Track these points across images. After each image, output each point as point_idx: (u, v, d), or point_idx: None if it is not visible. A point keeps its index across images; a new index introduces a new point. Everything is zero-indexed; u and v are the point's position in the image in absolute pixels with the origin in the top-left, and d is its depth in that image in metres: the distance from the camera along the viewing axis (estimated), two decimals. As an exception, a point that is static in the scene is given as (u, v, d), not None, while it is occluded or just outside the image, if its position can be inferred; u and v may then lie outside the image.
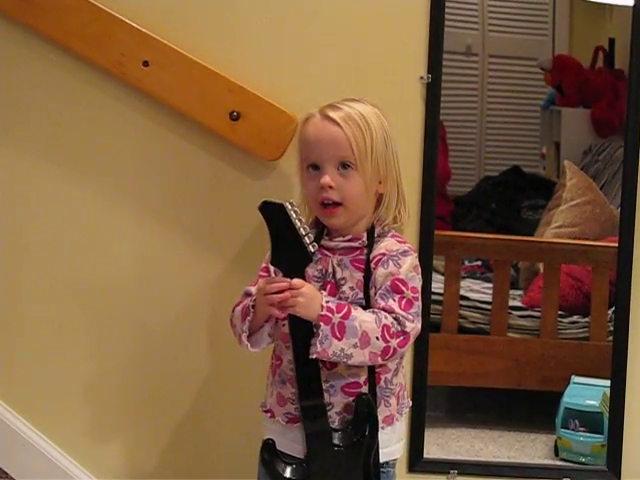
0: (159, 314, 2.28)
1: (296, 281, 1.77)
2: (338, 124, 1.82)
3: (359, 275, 1.84)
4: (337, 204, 1.83)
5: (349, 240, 1.86)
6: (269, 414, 1.90)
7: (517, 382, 2.59)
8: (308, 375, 1.80)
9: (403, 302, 1.80)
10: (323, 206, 1.84)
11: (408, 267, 1.83)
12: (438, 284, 2.47)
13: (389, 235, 1.88)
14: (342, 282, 1.84)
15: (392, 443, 1.90)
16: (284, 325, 1.83)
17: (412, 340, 1.82)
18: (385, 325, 1.77)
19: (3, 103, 2.24)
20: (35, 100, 2.23)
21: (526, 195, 2.98)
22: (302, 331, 1.78)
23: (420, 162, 2.22)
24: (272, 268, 1.86)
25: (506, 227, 2.92)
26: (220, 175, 2.22)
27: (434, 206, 2.24)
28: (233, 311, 1.90)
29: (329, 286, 1.85)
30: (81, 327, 2.29)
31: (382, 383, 1.86)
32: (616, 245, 2.30)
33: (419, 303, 1.83)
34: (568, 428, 2.44)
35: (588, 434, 2.41)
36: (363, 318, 1.77)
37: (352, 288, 1.84)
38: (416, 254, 1.88)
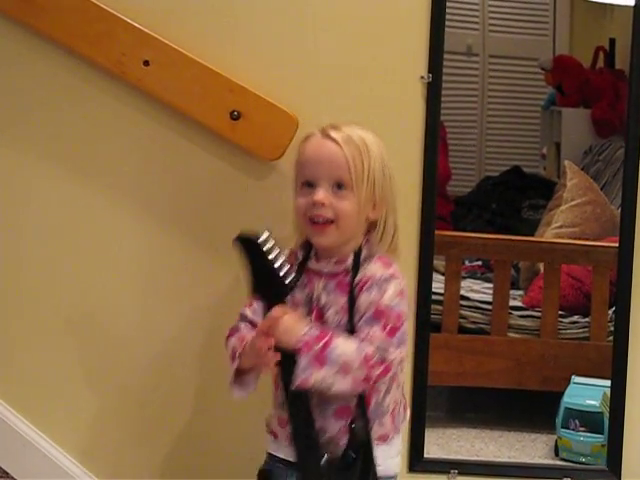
0: (159, 313, 2.27)
1: (275, 311, 1.77)
2: (338, 143, 1.81)
3: (343, 300, 1.82)
4: (328, 222, 1.81)
5: (335, 263, 1.85)
6: (272, 435, 1.91)
7: (517, 382, 2.59)
8: (297, 404, 1.81)
9: (386, 330, 1.77)
10: (313, 223, 1.82)
11: (392, 293, 1.80)
12: (438, 284, 2.46)
13: (375, 258, 1.84)
14: (327, 307, 1.83)
15: (389, 458, 1.88)
16: None
17: (395, 368, 1.79)
18: (366, 354, 1.75)
19: (3, 102, 2.24)
20: (35, 99, 2.23)
21: (526, 195, 2.98)
22: (287, 360, 1.77)
23: (420, 162, 2.21)
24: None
25: (506, 227, 2.92)
26: (220, 175, 2.22)
27: (434, 206, 2.24)
28: (227, 341, 1.90)
29: (315, 311, 1.84)
30: (82, 326, 2.29)
31: (373, 405, 1.84)
32: (616, 245, 2.30)
33: (404, 329, 1.80)
34: (568, 428, 2.45)
35: (588, 434, 2.42)
36: (344, 347, 1.75)
37: (336, 312, 1.82)
38: (401, 278, 1.84)
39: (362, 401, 1.82)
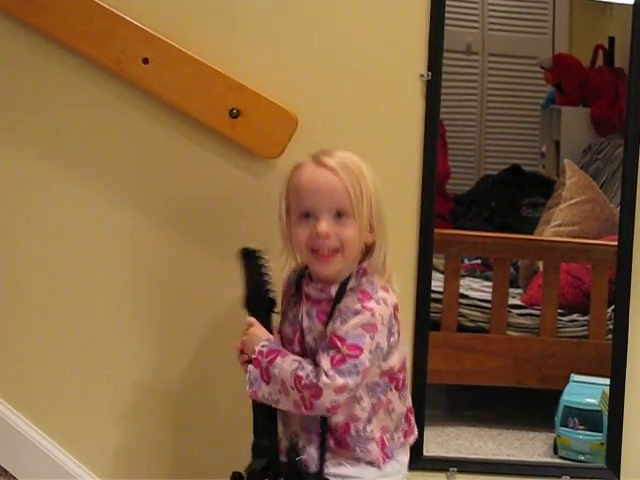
0: (159, 313, 2.28)
1: (249, 319, 1.85)
2: (334, 171, 1.80)
3: (321, 327, 1.83)
4: (334, 252, 1.81)
5: (320, 290, 1.85)
6: None
7: (516, 380, 2.59)
8: (256, 413, 1.89)
9: (336, 358, 1.77)
10: (316, 254, 1.82)
11: (353, 325, 1.78)
12: (438, 282, 2.46)
13: (357, 290, 1.83)
14: (307, 332, 1.85)
15: (385, 477, 1.89)
16: None
17: (331, 394, 1.76)
18: (297, 375, 1.77)
19: (2, 100, 2.24)
20: (34, 97, 2.23)
21: (526, 193, 2.98)
22: None
23: (420, 160, 2.22)
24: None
25: (506, 225, 2.92)
26: (219, 172, 2.22)
27: (434, 204, 2.24)
28: None
29: (297, 333, 1.86)
30: (82, 326, 2.29)
31: (353, 432, 1.85)
32: (616, 244, 2.30)
33: (356, 362, 1.76)
34: (567, 426, 2.45)
35: (587, 432, 2.42)
36: (283, 366, 1.79)
37: (315, 339, 1.84)
38: (376, 311, 1.79)
39: (324, 426, 1.84)
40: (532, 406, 2.64)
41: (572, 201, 2.80)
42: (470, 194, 2.95)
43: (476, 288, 2.71)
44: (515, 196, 2.97)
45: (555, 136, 3.01)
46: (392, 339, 1.83)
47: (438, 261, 2.46)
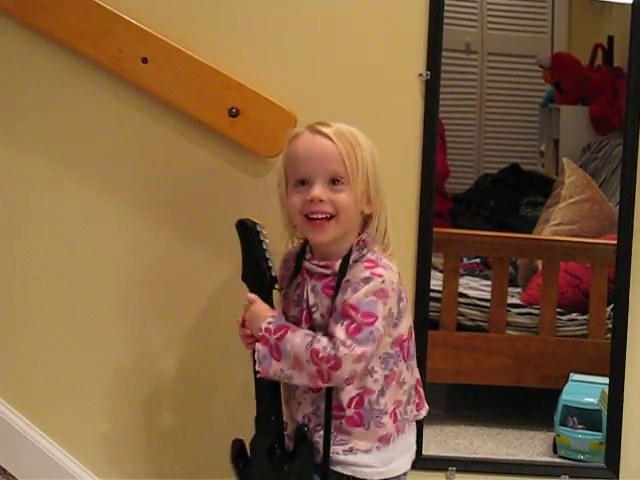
0: (158, 311, 2.28)
1: (249, 296, 1.84)
2: (330, 138, 1.80)
3: (328, 302, 1.83)
4: (328, 218, 1.80)
5: (323, 267, 1.85)
6: None
7: (516, 380, 2.59)
8: (261, 392, 1.88)
9: (351, 327, 1.77)
10: (311, 220, 1.82)
11: (364, 293, 1.78)
12: (437, 281, 2.47)
13: (363, 261, 1.83)
14: (314, 309, 1.84)
15: (394, 459, 1.89)
16: None
17: (350, 364, 1.77)
18: (313, 349, 1.77)
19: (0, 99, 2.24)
20: (33, 96, 2.23)
21: (525, 193, 2.98)
22: (254, 349, 1.83)
23: (419, 159, 2.22)
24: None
25: (505, 224, 2.92)
26: (219, 172, 2.22)
27: (433, 203, 2.24)
28: None
29: (304, 312, 1.85)
30: (82, 325, 2.29)
31: (366, 405, 1.85)
32: (615, 243, 2.30)
33: (372, 329, 1.77)
34: (567, 425, 2.45)
35: (586, 431, 2.42)
36: (295, 341, 1.79)
37: (322, 315, 1.83)
38: (385, 277, 1.80)
39: (329, 400, 1.84)
40: (531, 405, 2.64)
41: (571, 200, 2.80)
42: (469, 193, 2.95)
43: (475, 287, 2.71)
44: (514, 195, 2.97)
45: (554, 135, 3.01)
46: (402, 304, 1.85)
47: (437, 260, 2.46)
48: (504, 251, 2.65)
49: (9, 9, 2.18)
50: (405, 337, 1.87)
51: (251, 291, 1.86)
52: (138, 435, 2.31)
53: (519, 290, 2.73)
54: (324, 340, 1.77)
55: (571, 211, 2.79)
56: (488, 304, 2.61)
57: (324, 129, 1.82)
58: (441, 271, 2.54)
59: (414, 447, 1.96)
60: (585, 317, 2.60)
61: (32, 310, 2.29)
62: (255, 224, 1.87)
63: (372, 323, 1.78)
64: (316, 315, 1.84)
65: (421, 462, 2.28)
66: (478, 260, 2.84)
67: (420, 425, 2.27)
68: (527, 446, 2.51)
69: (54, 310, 2.29)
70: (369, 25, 2.19)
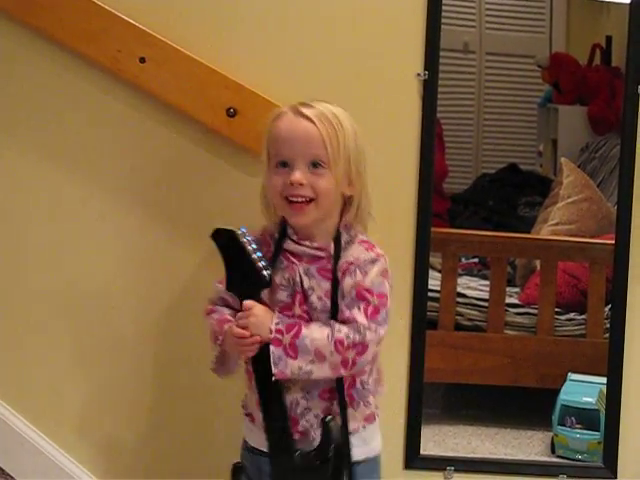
0: (157, 311, 2.27)
1: (246, 302, 1.80)
2: (312, 121, 1.79)
3: (327, 284, 1.82)
4: (308, 201, 1.80)
5: (316, 249, 1.84)
6: (249, 417, 1.92)
7: (514, 379, 2.59)
8: (269, 396, 1.82)
9: (369, 310, 1.78)
10: (290, 203, 1.81)
11: (375, 274, 1.81)
12: (435, 281, 2.47)
13: (357, 242, 1.85)
14: (310, 292, 1.83)
15: (374, 438, 1.90)
16: None
17: (374, 347, 1.79)
18: (338, 339, 1.76)
19: (-2, 99, 2.25)
20: (30, 96, 2.23)
21: (523, 192, 2.98)
22: (259, 354, 1.80)
23: (417, 159, 2.21)
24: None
25: (503, 224, 2.92)
26: (216, 171, 2.22)
27: (431, 203, 2.24)
28: (207, 315, 1.92)
29: (299, 296, 1.83)
30: (81, 326, 2.29)
31: (359, 386, 1.86)
32: (613, 242, 2.30)
33: (386, 309, 1.81)
34: (565, 425, 2.45)
35: (584, 431, 2.42)
36: (314, 336, 1.77)
37: (320, 298, 1.82)
38: (385, 259, 1.84)
39: (341, 384, 1.83)
40: (529, 405, 2.65)
41: (569, 200, 2.80)
42: (467, 193, 2.96)
43: (473, 287, 2.71)
44: (512, 195, 2.98)
45: (552, 135, 3.01)
46: (391, 281, 1.85)
47: (435, 260, 2.46)
48: (502, 251, 2.66)
49: (7, 9, 2.17)
50: None
51: (243, 297, 1.82)
52: (139, 437, 2.31)
53: (517, 290, 2.74)
54: (344, 328, 1.77)
55: (569, 211, 2.80)
56: (486, 304, 2.61)
57: (307, 111, 1.81)
58: (439, 271, 2.54)
59: None
60: (583, 317, 2.60)
61: (30, 311, 2.29)
62: (230, 230, 1.81)
63: (386, 304, 1.81)
64: (313, 298, 1.82)
65: (419, 462, 2.29)
66: (476, 260, 2.85)
67: (418, 424, 2.28)
68: (525, 446, 2.51)
69: (52, 310, 2.28)
70: (367, 25, 2.18)
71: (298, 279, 1.83)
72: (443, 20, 2.20)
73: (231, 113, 2.15)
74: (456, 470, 2.31)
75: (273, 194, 1.84)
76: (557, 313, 2.60)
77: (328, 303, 1.82)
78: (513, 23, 3.00)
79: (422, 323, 2.27)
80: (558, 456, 2.45)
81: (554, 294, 2.59)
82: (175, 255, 2.26)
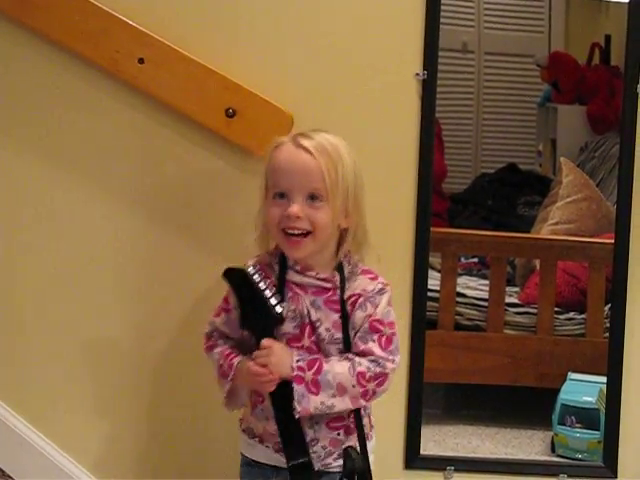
0: (156, 312, 2.27)
1: (265, 342, 1.80)
2: (311, 154, 1.79)
3: (335, 316, 1.83)
4: (304, 234, 1.80)
5: (321, 280, 1.84)
6: (248, 433, 1.93)
7: (513, 379, 2.59)
8: (291, 433, 1.82)
9: (383, 341, 1.82)
10: (287, 235, 1.81)
11: (384, 305, 1.84)
12: (434, 281, 2.47)
13: (359, 272, 1.86)
14: (318, 324, 1.84)
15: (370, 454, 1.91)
16: None
17: (392, 376, 1.84)
18: (359, 372, 1.79)
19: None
20: (29, 97, 2.23)
21: (522, 192, 2.98)
22: (279, 390, 1.80)
23: (416, 159, 2.21)
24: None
25: (502, 224, 2.92)
26: (215, 172, 2.22)
27: (430, 203, 2.24)
28: (209, 350, 1.93)
29: (307, 327, 1.84)
30: (81, 325, 2.29)
31: (362, 411, 1.87)
32: (612, 242, 2.30)
33: (397, 337, 1.85)
34: (565, 424, 2.45)
35: (584, 430, 2.42)
36: (336, 370, 1.79)
37: (328, 329, 1.84)
38: (390, 287, 1.87)
39: (358, 418, 1.85)
40: (529, 405, 2.64)
41: (569, 199, 2.80)
42: (466, 193, 2.96)
43: (473, 287, 2.71)
44: (512, 194, 2.97)
45: (551, 134, 3.01)
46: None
47: (435, 260, 2.46)
48: (502, 250, 2.65)
49: (5, 9, 2.17)
50: None
51: (259, 335, 1.81)
52: (139, 436, 2.31)
53: (517, 289, 2.73)
54: (364, 361, 1.80)
55: (569, 210, 2.79)
56: (486, 303, 2.61)
57: (306, 143, 1.81)
58: (439, 271, 2.54)
59: None
60: (583, 316, 2.60)
61: (29, 311, 2.29)
62: (241, 270, 1.80)
63: (395, 331, 1.85)
64: (321, 330, 1.84)
65: (419, 462, 2.29)
66: (476, 259, 2.84)
67: (418, 424, 2.28)
68: (525, 445, 2.51)
69: (51, 310, 2.28)
70: (365, 25, 2.18)
71: (305, 311, 1.84)
72: (442, 20, 2.20)
73: (230, 113, 2.15)
74: (456, 470, 2.31)
75: (271, 225, 1.84)
76: (557, 312, 2.60)
77: (336, 334, 1.83)
78: (512, 23, 3.00)
79: (422, 323, 2.27)
80: (558, 455, 2.45)
81: (554, 294, 2.58)
82: (171, 253, 2.25)
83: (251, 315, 1.81)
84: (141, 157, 2.24)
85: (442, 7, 2.20)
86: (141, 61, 2.15)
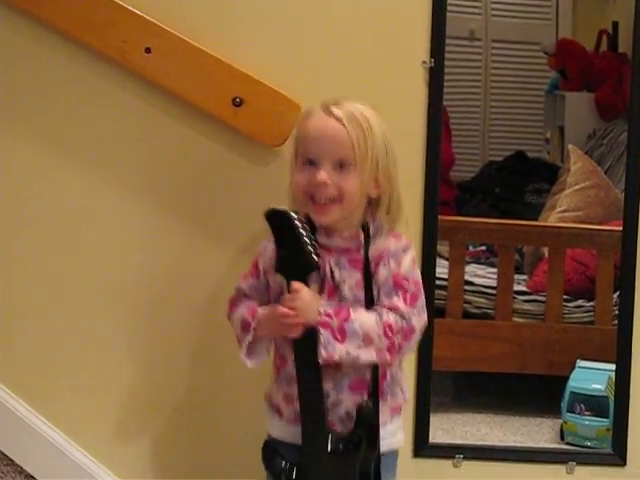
0: (163, 302, 2.27)
1: (295, 284, 1.78)
2: (342, 121, 1.79)
3: (358, 275, 1.83)
4: (332, 201, 1.80)
5: (347, 239, 1.85)
6: (276, 411, 1.91)
7: (522, 367, 2.59)
8: (311, 380, 1.81)
9: (408, 297, 1.81)
10: (314, 202, 1.81)
11: (409, 263, 1.84)
12: (443, 269, 2.47)
13: (384, 232, 1.86)
14: (341, 283, 1.83)
15: (399, 430, 1.91)
16: None
17: (419, 334, 1.83)
18: (386, 323, 1.78)
19: (2, 91, 2.24)
20: (36, 87, 2.23)
21: (530, 180, 2.98)
22: (304, 340, 1.79)
23: (423, 148, 2.21)
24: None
25: (510, 212, 2.92)
26: (223, 161, 2.21)
27: (438, 191, 2.23)
28: (231, 312, 1.92)
29: (328, 287, 1.84)
30: (87, 314, 2.29)
31: (389, 379, 1.86)
32: (620, 229, 2.29)
33: (423, 297, 1.85)
34: (574, 412, 2.45)
35: (594, 418, 2.42)
36: (363, 319, 1.78)
37: (351, 288, 1.83)
38: (414, 248, 1.89)
39: (375, 376, 1.83)
40: (538, 392, 2.65)
41: (577, 187, 2.80)
42: (474, 181, 2.96)
43: (481, 275, 2.71)
44: (519, 182, 2.98)
45: (559, 122, 3.01)
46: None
47: (443, 248, 2.46)
48: (510, 238, 2.65)
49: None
50: None
51: (291, 279, 1.80)
52: (143, 425, 2.31)
53: (525, 277, 2.74)
54: (391, 314, 1.79)
55: (577, 198, 2.79)
56: (494, 291, 2.61)
57: (336, 111, 1.81)
58: (447, 259, 2.54)
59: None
60: (591, 304, 2.60)
61: (36, 297, 2.29)
62: (285, 211, 1.79)
63: (421, 290, 1.85)
64: (344, 290, 1.83)
65: (428, 450, 2.29)
66: (484, 248, 2.85)
67: (427, 413, 2.28)
68: (534, 433, 2.52)
69: (59, 299, 2.28)
70: (373, 13, 2.18)
71: (328, 271, 1.83)
72: (449, 8, 2.20)
73: (237, 103, 2.14)
74: (465, 458, 2.31)
75: (297, 191, 1.84)
76: (565, 300, 2.60)
77: (359, 294, 1.83)
78: (519, 10, 3.00)
79: (430, 311, 2.27)
80: (567, 443, 2.45)
81: (562, 281, 2.59)
82: (180, 243, 2.25)
83: (288, 258, 1.79)
84: (147, 147, 2.24)
85: (449, -5, 2.20)
86: (148, 51, 2.15)
